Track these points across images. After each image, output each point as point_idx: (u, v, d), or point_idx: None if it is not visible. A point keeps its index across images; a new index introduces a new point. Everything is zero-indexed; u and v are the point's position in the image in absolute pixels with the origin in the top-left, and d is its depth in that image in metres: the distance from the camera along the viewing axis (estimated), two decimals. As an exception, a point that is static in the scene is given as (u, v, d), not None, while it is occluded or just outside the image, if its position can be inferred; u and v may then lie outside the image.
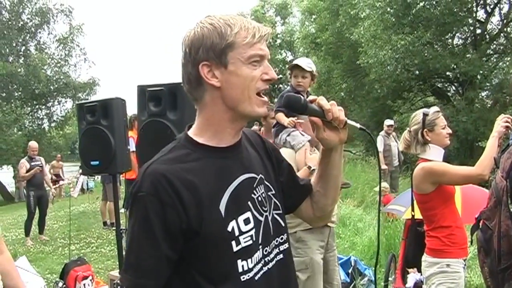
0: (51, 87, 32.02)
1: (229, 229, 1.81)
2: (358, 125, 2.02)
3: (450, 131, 4.49)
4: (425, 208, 4.42)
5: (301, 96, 1.96)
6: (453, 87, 25.75)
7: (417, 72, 23.54)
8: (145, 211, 1.75)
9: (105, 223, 13.56)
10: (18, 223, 15.87)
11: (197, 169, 1.81)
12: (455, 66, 21.60)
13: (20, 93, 31.96)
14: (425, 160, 4.36)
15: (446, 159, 4.44)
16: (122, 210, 9.37)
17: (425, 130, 4.39)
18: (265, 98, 1.88)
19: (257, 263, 1.88)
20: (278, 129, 5.27)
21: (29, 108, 32.33)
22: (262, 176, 1.99)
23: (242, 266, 1.83)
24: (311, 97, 1.95)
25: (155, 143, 4.18)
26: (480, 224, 3.79)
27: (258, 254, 1.88)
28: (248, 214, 1.87)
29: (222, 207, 1.80)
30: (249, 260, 1.84)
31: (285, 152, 4.69)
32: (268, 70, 1.86)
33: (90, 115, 5.59)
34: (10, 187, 31.63)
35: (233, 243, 1.81)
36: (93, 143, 5.55)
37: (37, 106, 33.32)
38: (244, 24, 1.84)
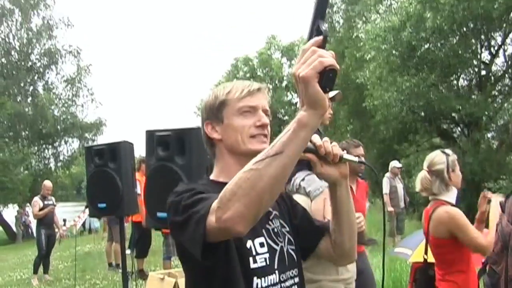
0: (58, 127, 32.24)
1: (248, 246, 2.01)
2: (356, 159, 2.12)
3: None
4: (441, 252, 4.35)
5: None
6: (459, 129, 25.77)
7: (422, 113, 23.61)
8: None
9: (110, 264, 13.51)
10: (23, 263, 15.85)
11: None
12: (460, 108, 21.64)
13: (27, 132, 32.17)
14: (443, 202, 4.30)
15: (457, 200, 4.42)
16: (128, 252, 9.36)
17: (449, 170, 4.32)
18: (264, 138, 2.10)
19: (273, 285, 2.03)
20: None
21: (36, 148, 32.50)
22: (277, 213, 2.22)
23: (257, 284, 1.99)
24: None
25: (163, 187, 4.24)
26: (487, 268, 3.78)
27: (274, 277, 2.04)
28: (262, 239, 2.06)
29: None
30: (263, 279, 2.00)
31: (299, 200, 4.05)
32: (261, 117, 2.11)
33: (98, 158, 5.65)
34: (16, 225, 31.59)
35: (251, 259, 2.00)
36: (100, 185, 5.60)
37: (44, 146, 33.49)
38: (237, 84, 2.18)
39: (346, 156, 2.06)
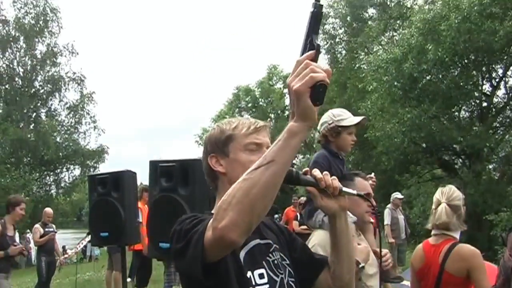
0: (60, 154, 32.28)
1: (248, 276, 2.05)
2: (355, 192, 2.19)
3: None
4: None
5: (292, 169, 2.11)
6: (460, 160, 25.80)
7: (424, 145, 23.66)
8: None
9: (110, 293, 13.43)
10: (23, 291, 15.76)
11: None
12: (462, 139, 21.69)
13: (29, 158, 32.20)
14: (454, 239, 4.17)
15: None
16: (128, 280, 9.32)
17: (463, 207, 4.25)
18: None
19: None
20: (311, 209, 4.27)
21: (37, 174, 32.49)
22: (277, 247, 2.24)
23: None
24: (303, 170, 2.14)
25: (166, 218, 4.26)
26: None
27: None
28: (262, 271, 2.09)
29: (241, 257, 2.05)
30: None
31: (323, 237, 3.60)
32: None
33: (101, 187, 5.68)
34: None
35: None
36: (103, 214, 5.62)
37: (45, 172, 33.49)
38: (243, 120, 2.25)
39: (345, 189, 2.14)
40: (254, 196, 1.68)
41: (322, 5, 1.72)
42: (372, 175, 4.90)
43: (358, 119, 4.48)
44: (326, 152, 4.40)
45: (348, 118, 4.45)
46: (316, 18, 1.73)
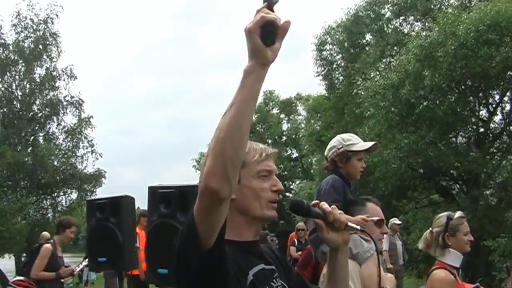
0: (57, 178, 32.15)
1: None
2: (358, 227, 2.26)
3: (471, 238, 4.43)
4: None
5: (304, 201, 2.20)
6: (458, 185, 25.84)
7: (421, 170, 23.70)
8: None
9: (105, 318, 13.34)
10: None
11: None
12: (459, 165, 21.76)
13: (26, 182, 32.10)
14: (442, 264, 4.30)
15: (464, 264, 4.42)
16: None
17: (446, 234, 4.34)
18: (274, 204, 2.19)
19: None
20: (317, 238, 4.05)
21: (34, 197, 32.34)
22: (278, 274, 2.27)
23: None
24: (313, 202, 2.20)
25: (165, 244, 4.26)
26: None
27: None
28: None
29: (248, 280, 2.08)
30: None
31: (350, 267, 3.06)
32: (276, 182, 2.21)
33: (99, 212, 5.68)
34: (11, 276, 31.19)
35: None
36: (101, 239, 5.62)
37: (42, 196, 33.35)
38: (253, 146, 2.24)
39: (350, 224, 2.20)
40: (221, 140, 1.74)
41: None
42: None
43: (369, 144, 4.40)
44: (341, 178, 4.32)
45: (359, 143, 4.36)
46: None
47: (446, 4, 28.05)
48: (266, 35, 1.74)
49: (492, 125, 25.04)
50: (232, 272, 1.98)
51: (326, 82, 32.99)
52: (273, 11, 1.78)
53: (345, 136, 4.45)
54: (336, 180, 4.28)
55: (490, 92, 23.95)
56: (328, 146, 4.47)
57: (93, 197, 22.05)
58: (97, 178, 33.99)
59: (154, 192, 4.52)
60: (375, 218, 3.69)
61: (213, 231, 1.85)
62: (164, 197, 4.45)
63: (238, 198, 2.14)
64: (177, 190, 4.38)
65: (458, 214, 4.52)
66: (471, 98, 23.24)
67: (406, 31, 30.07)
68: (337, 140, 4.40)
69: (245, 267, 2.10)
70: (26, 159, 31.29)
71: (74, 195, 33.89)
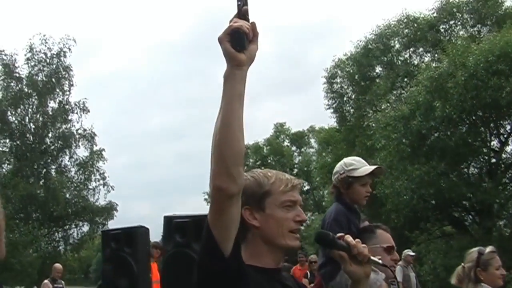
0: (69, 210, 32.21)
1: None
2: (380, 261, 2.32)
3: (504, 272, 4.39)
4: None
5: (329, 233, 2.24)
6: (470, 217, 25.68)
7: (433, 202, 23.60)
8: None
9: None
10: None
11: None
12: (471, 195, 21.69)
13: (38, 214, 32.15)
14: None
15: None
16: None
17: (478, 269, 4.30)
18: (297, 235, 2.24)
19: None
20: (332, 270, 3.76)
21: (46, 230, 32.35)
22: None
23: None
24: (339, 234, 2.23)
25: (180, 273, 4.29)
26: None
27: None
28: None
29: None
30: None
31: None
32: (300, 213, 2.24)
33: (114, 242, 5.70)
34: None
35: None
36: (116, 270, 5.62)
37: (54, 228, 33.36)
38: (279, 176, 2.27)
39: (373, 258, 2.24)
40: (217, 142, 1.87)
41: None
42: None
43: (371, 168, 4.16)
44: (342, 206, 4.17)
45: (361, 168, 4.13)
46: None
47: (455, 35, 28.18)
48: (235, 41, 1.90)
49: (504, 155, 24.97)
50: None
51: (337, 114, 33.05)
52: (247, 19, 1.95)
53: (348, 160, 4.25)
54: (338, 211, 4.14)
55: (501, 122, 23.94)
56: (333, 171, 4.30)
57: (107, 228, 22.01)
58: (108, 210, 33.99)
59: (170, 222, 4.55)
60: (385, 245, 3.68)
61: (228, 233, 1.93)
62: (179, 226, 4.48)
63: (262, 227, 2.19)
64: (192, 219, 4.41)
65: (489, 249, 4.47)
66: (482, 128, 23.24)
67: (416, 62, 30.18)
68: (340, 165, 4.24)
69: None
70: (39, 191, 31.40)
71: (85, 228, 33.88)
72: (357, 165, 4.15)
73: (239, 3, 1.96)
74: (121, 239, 5.64)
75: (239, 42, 1.90)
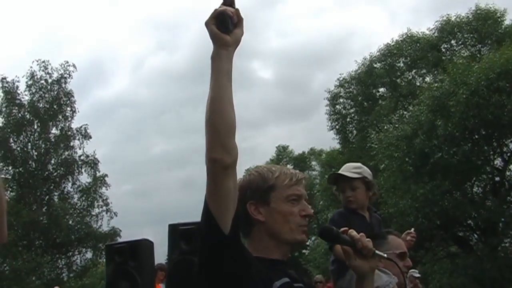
0: (72, 237, 32.07)
1: None
2: (385, 255, 2.30)
3: None
4: None
5: (333, 227, 2.21)
6: (475, 236, 25.54)
7: (438, 221, 23.49)
8: None
9: None
10: None
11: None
12: (475, 214, 21.61)
13: (41, 241, 32.00)
14: None
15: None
16: None
17: None
18: (305, 228, 2.24)
19: None
20: (340, 268, 3.99)
21: (49, 257, 32.19)
22: None
23: None
24: (342, 229, 2.21)
25: (186, 281, 4.24)
26: None
27: None
28: None
29: None
30: None
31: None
32: (305, 207, 2.23)
33: (118, 256, 5.66)
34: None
35: None
36: (120, 283, 5.58)
37: (57, 255, 33.18)
38: (284, 170, 2.30)
39: (378, 252, 2.23)
40: (209, 117, 1.96)
41: None
42: (412, 230, 4.80)
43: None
44: (345, 210, 4.35)
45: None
46: None
47: (456, 54, 28.32)
48: (220, 24, 2.04)
49: (508, 173, 24.92)
50: (255, 275, 2.03)
51: (340, 136, 33.07)
52: (233, 6, 2.10)
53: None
54: (337, 213, 4.40)
55: (504, 140, 23.92)
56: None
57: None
58: (112, 237, 33.80)
59: (175, 229, 4.53)
60: (397, 251, 3.66)
61: (225, 207, 1.96)
62: (185, 234, 4.46)
63: (267, 221, 2.19)
64: (198, 226, 4.36)
65: None
66: (485, 147, 23.20)
67: (418, 83, 30.31)
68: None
69: (271, 278, 2.10)
70: (41, 218, 31.30)
71: (89, 255, 33.70)
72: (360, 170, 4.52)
73: None
74: (125, 253, 5.60)
75: (223, 24, 2.05)
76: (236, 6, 2.12)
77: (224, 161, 1.92)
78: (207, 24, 2.04)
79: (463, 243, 25.67)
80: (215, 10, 2.05)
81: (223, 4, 2.08)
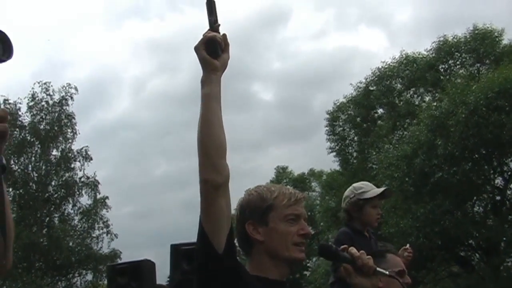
0: (73, 258, 31.92)
1: None
2: (387, 273, 2.29)
3: None
4: None
5: (332, 245, 2.22)
6: (477, 255, 25.46)
7: (439, 241, 23.43)
8: None
9: None
10: None
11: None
12: (477, 234, 21.57)
13: (41, 263, 31.86)
14: None
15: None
16: None
17: None
18: (302, 247, 2.22)
19: None
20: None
21: (49, 279, 32.04)
22: None
23: None
24: (342, 246, 2.24)
25: (188, 301, 4.24)
26: None
27: None
28: None
29: None
30: None
31: None
32: (304, 226, 2.24)
33: (120, 277, 5.66)
34: None
35: None
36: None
37: (57, 277, 33.03)
38: (283, 190, 2.31)
39: (379, 269, 2.24)
40: (201, 141, 2.03)
41: None
42: (408, 246, 4.77)
43: (380, 190, 4.35)
44: (349, 230, 4.29)
45: (371, 190, 4.29)
46: (209, 4, 2.20)
47: (455, 74, 28.42)
48: (210, 49, 2.12)
49: (508, 192, 24.90)
50: None
51: (340, 158, 33.05)
52: (218, 32, 2.18)
53: (357, 184, 4.42)
54: (342, 233, 4.31)
55: (504, 160, 23.93)
56: (343, 197, 4.46)
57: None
58: (112, 258, 33.64)
59: (177, 250, 4.55)
60: (396, 269, 3.66)
61: (218, 226, 2.02)
62: (187, 254, 4.47)
63: (266, 241, 2.20)
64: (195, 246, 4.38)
65: None
66: (485, 166, 23.20)
67: (417, 102, 30.36)
68: (350, 190, 4.38)
69: None
70: (42, 240, 31.19)
71: (89, 277, 33.54)
72: (366, 188, 4.31)
73: (211, 18, 2.19)
74: (127, 273, 5.61)
75: (213, 49, 2.13)
76: (226, 31, 2.20)
77: (215, 181, 1.99)
78: (197, 49, 2.11)
79: (464, 263, 25.56)
80: (204, 35, 2.12)
81: (210, 29, 2.16)
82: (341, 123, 32.53)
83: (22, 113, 32.32)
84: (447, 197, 21.66)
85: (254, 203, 2.26)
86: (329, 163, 36.15)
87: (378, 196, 4.29)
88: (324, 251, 2.27)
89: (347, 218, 4.39)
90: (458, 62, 29.09)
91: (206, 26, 2.19)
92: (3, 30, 1.73)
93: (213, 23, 2.18)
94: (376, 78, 30.72)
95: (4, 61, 1.71)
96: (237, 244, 2.29)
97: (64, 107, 33.17)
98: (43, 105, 32.71)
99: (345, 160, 33.15)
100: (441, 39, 28.81)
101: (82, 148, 33.66)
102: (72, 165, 33.86)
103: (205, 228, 2.00)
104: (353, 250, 2.20)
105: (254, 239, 2.21)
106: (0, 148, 1.62)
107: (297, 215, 2.24)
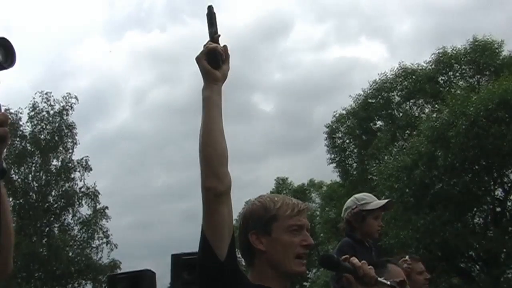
0: (72, 269, 31.85)
1: None
2: (388, 283, 2.31)
3: None
4: None
5: (333, 255, 2.22)
6: (477, 266, 25.40)
7: (439, 253, 23.40)
8: None
9: None
10: None
11: None
12: (477, 245, 21.54)
13: (40, 273, 31.77)
14: None
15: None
16: None
17: None
18: (304, 260, 2.23)
19: None
20: None
21: (48, 289, 32.00)
22: None
23: None
24: (343, 257, 2.27)
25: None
26: None
27: None
28: None
29: None
30: None
31: None
32: (307, 237, 2.24)
33: (120, 287, 5.67)
34: None
35: None
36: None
37: (56, 287, 32.98)
38: (286, 200, 2.30)
39: (380, 279, 2.26)
40: (203, 147, 2.08)
41: (211, 6, 2.27)
42: (407, 257, 4.76)
43: (383, 202, 4.36)
44: (350, 240, 4.27)
45: (373, 202, 4.30)
46: (210, 16, 2.26)
47: (454, 86, 28.45)
48: (211, 60, 2.17)
49: (509, 204, 24.87)
50: None
51: (340, 169, 33.01)
52: (219, 43, 2.22)
53: (359, 196, 4.42)
54: (344, 243, 4.26)
55: (504, 171, 23.93)
56: (344, 207, 4.44)
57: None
58: (112, 269, 33.54)
59: (178, 260, 4.56)
60: (397, 279, 3.66)
61: (220, 234, 2.05)
62: (187, 264, 4.47)
63: (268, 251, 2.20)
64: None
65: None
66: (485, 177, 23.19)
67: (416, 114, 30.35)
68: (351, 201, 4.37)
69: None
70: (41, 249, 31.12)
71: (88, 287, 33.45)
72: (369, 199, 4.31)
73: (211, 30, 2.24)
74: (127, 283, 5.62)
75: (214, 60, 2.18)
76: (227, 42, 2.24)
77: (217, 189, 2.02)
78: (198, 59, 2.16)
79: (465, 274, 25.51)
80: (206, 46, 2.17)
81: (211, 41, 2.21)
82: (340, 135, 32.52)
83: (23, 123, 32.29)
84: (447, 208, 21.65)
85: (257, 213, 2.25)
86: (329, 174, 36.14)
87: (381, 208, 4.30)
88: (326, 261, 2.29)
89: (348, 228, 4.36)
90: (458, 74, 29.13)
91: (206, 37, 2.22)
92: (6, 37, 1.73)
93: (213, 34, 2.23)
94: (374, 90, 30.71)
95: (6, 68, 1.69)
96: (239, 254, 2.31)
97: (65, 117, 33.18)
98: (43, 115, 32.71)
99: (345, 171, 33.11)
100: (440, 51, 28.87)
101: (82, 158, 33.61)
102: (72, 175, 33.81)
103: (207, 236, 2.03)
104: (354, 260, 2.23)
105: (257, 249, 2.21)
106: (0, 153, 1.61)
107: (300, 225, 2.24)
